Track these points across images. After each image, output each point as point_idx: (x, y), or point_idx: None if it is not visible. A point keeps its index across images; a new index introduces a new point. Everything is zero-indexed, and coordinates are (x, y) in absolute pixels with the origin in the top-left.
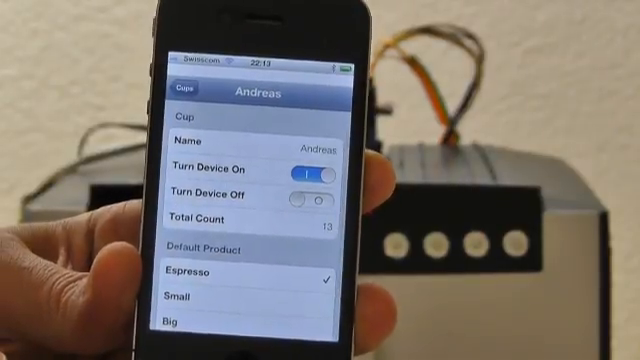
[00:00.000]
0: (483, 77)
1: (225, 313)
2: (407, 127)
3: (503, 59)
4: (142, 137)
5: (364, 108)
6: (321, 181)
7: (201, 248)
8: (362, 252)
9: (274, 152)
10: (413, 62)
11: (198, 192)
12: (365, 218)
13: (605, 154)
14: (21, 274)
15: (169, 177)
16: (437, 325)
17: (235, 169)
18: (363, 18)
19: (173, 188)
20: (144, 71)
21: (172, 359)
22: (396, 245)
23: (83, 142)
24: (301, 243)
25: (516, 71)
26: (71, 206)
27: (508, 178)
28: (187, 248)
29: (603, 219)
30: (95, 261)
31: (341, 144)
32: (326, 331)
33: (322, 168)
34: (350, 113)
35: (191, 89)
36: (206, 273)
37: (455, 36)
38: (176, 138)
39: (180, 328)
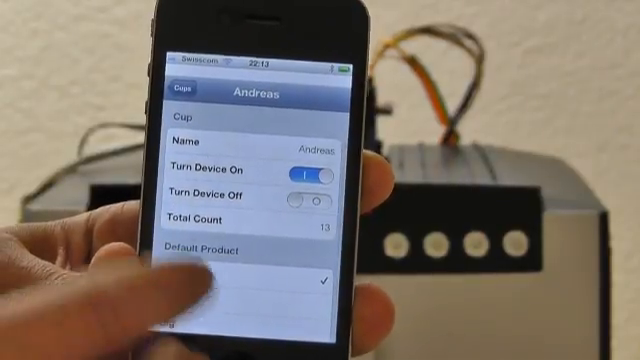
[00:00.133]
0: (483, 77)
1: (222, 314)
2: (407, 127)
3: (503, 59)
4: (142, 137)
5: (362, 109)
6: (319, 182)
7: (199, 249)
8: (362, 252)
9: (272, 153)
10: (413, 62)
11: (196, 192)
12: (365, 218)
13: (605, 154)
14: (19, 274)
15: (167, 177)
16: (437, 325)
17: (233, 169)
18: (362, 19)
19: (171, 188)
20: (144, 71)
21: None
22: (396, 245)
23: (83, 142)
24: (299, 244)
25: (516, 71)
26: (71, 206)
27: (508, 178)
28: (185, 248)
29: (603, 219)
30: (93, 261)
31: (339, 145)
32: (323, 332)
33: (320, 169)
34: (348, 114)
35: (189, 89)
36: None
37: (455, 36)
38: (174, 138)
39: (177, 329)
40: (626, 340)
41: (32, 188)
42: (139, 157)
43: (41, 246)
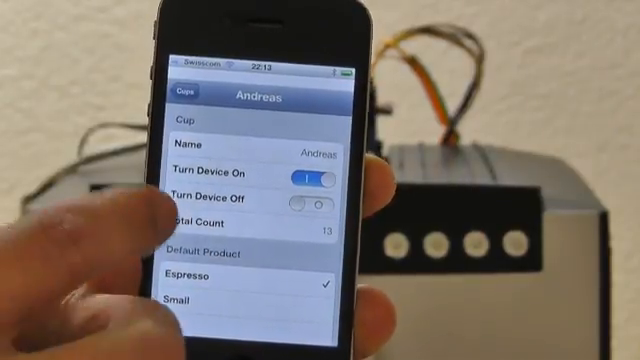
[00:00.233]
0: (483, 77)
1: (224, 317)
2: (407, 127)
3: (503, 59)
4: (142, 137)
5: (365, 113)
6: (321, 185)
7: (201, 252)
8: (362, 252)
9: (274, 156)
10: (413, 62)
11: (198, 196)
12: (365, 219)
13: (605, 154)
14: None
15: (169, 180)
16: (437, 325)
17: (235, 173)
18: (364, 22)
19: (173, 191)
20: (144, 71)
21: None
22: (396, 245)
23: (83, 142)
24: (301, 247)
25: (516, 71)
26: None
27: (508, 178)
28: (187, 252)
29: (603, 219)
30: None
31: (341, 148)
32: (325, 336)
33: (322, 172)
34: (351, 117)
35: (192, 92)
36: (205, 277)
37: (455, 36)
38: (176, 141)
39: None
40: (626, 340)
41: (32, 188)
42: (139, 157)
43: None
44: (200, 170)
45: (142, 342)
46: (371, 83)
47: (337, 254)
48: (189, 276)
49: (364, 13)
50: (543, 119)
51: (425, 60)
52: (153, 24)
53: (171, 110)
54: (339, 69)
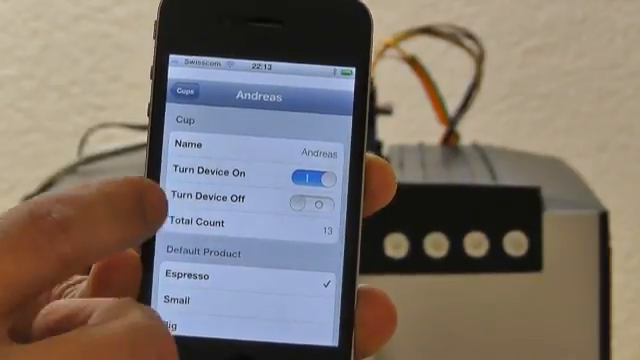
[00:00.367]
0: (483, 77)
1: (225, 317)
2: (407, 127)
3: (503, 59)
4: (142, 137)
5: (365, 112)
6: (322, 185)
7: (201, 252)
8: (362, 252)
9: (275, 156)
10: (413, 62)
11: (198, 195)
12: (365, 219)
13: (605, 154)
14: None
15: (169, 180)
16: (437, 325)
17: (235, 172)
18: (365, 22)
19: (173, 191)
20: (144, 71)
21: None
22: (396, 245)
23: (83, 142)
24: (301, 247)
25: (516, 71)
26: None
27: (508, 178)
28: (187, 252)
29: (603, 219)
30: (94, 264)
31: (342, 148)
32: (326, 336)
33: (323, 172)
34: (351, 117)
35: (192, 92)
36: (206, 277)
37: (455, 36)
38: (176, 141)
39: (180, 332)
40: (626, 340)
41: (32, 188)
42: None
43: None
44: (200, 170)
45: (133, 331)
46: (371, 83)
47: (337, 254)
48: (189, 276)
49: (365, 12)
50: (543, 119)
51: (425, 60)
52: (153, 24)
53: (171, 110)
54: (339, 68)
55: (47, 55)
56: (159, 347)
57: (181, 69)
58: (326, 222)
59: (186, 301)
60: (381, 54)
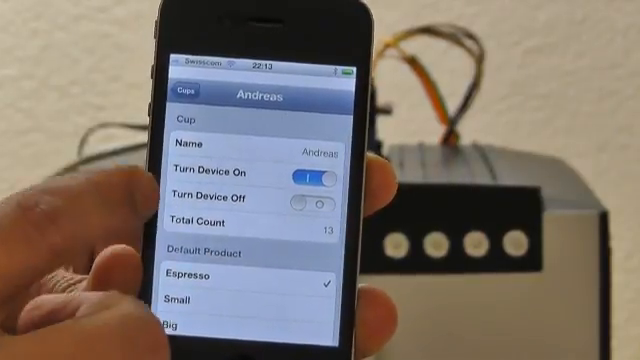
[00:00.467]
0: (483, 77)
1: (225, 317)
2: (407, 127)
3: (503, 59)
4: (142, 137)
5: (366, 112)
6: (322, 184)
7: (201, 251)
8: (362, 252)
9: (275, 155)
10: (413, 62)
11: (199, 195)
12: (365, 219)
13: (605, 154)
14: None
15: (170, 180)
16: (437, 325)
17: (236, 172)
18: (365, 21)
19: (174, 191)
20: (144, 71)
21: None
22: (396, 245)
23: (83, 142)
24: (302, 247)
25: (516, 71)
26: None
27: (508, 178)
28: (187, 251)
29: (603, 219)
30: (95, 264)
31: (342, 147)
32: (326, 335)
33: (323, 172)
34: (352, 117)
35: (192, 92)
36: (206, 276)
37: (455, 36)
38: (177, 141)
39: (180, 331)
40: (626, 340)
41: None
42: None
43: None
44: (201, 169)
45: (124, 321)
46: (372, 81)
47: (338, 253)
48: (190, 276)
49: (365, 12)
50: (543, 119)
51: (425, 60)
52: (154, 24)
53: (172, 109)
54: (340, 68)
55: (47, 55)
56: (150, 337)
57: (182, 69)
58: (327, 222)
59: (186, 301)
60: (381, 54)
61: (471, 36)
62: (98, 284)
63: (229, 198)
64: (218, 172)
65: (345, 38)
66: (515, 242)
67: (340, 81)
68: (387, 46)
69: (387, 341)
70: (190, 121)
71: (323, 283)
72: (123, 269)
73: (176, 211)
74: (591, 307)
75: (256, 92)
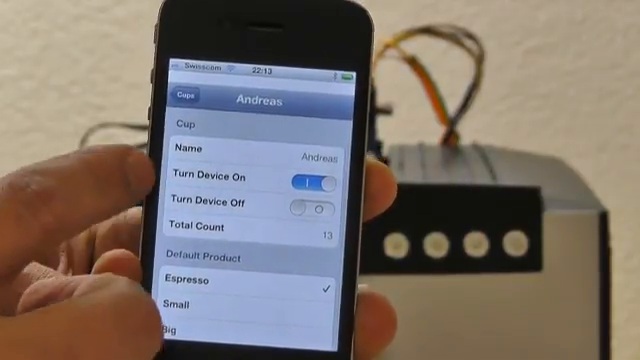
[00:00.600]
0: (483, 77)
1: (225, 322)
2: (407, 127)
3: (503, 59)
4: (142, 137)
5: (365, 117)
6: (322, 189)
7: (201, 256)
8: (362, 252)
9: (275, 160)
10: (413, 62)
11: (198, 200)
12: (365, 223)
13: (605, 154)
14: (21, 281)
15: (169, 184)
16: (437, 325)
17: (236, 177)
18: (365, 26)
19: (173, 195)
20: (144, 71)
21: None
22: (396, 245)
23: (83, 142)
24: (301, 252)
25: (516, 71)
26: None
27: (508, 178)
28: (187, 256)
29: (603, 219)
30: (95, 267)
31: (342, 152)
32: (325, 340)
33: (323, 176)
34: (351, 122)
35: (192, 96)
36: (206, 281)
37: (455, 36)
38: (177, 145)
39: (179, 336)
40: (626, 340)
41: None
42: None
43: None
44: (200, 174)
45: (118, 301)
46: (371, 84)
47: (337, 258)
48: (189, 280)
49: (365, 17)
50: (543, 119)
51: (425, 60)
52: (154, 26)
53: (171, 114)
54: (340, 73)
55: (47, 55)
56: (144, 316)
57: (181, 73)
58: (326, 227)
59: (186, 305)
60: (381, 54)
61: (471, 36)
62: None
63: (228, 203)
64: (217, 177)
65: (345, 43)
66: (515, 242)
67: (340, 86)
68: (387, 46)
69: (386, 345)
70: (190, 126)
71: (322, 288)
72: (122, 273)
73: (175, 216)
74: (591, 307)
75: (256, 97)
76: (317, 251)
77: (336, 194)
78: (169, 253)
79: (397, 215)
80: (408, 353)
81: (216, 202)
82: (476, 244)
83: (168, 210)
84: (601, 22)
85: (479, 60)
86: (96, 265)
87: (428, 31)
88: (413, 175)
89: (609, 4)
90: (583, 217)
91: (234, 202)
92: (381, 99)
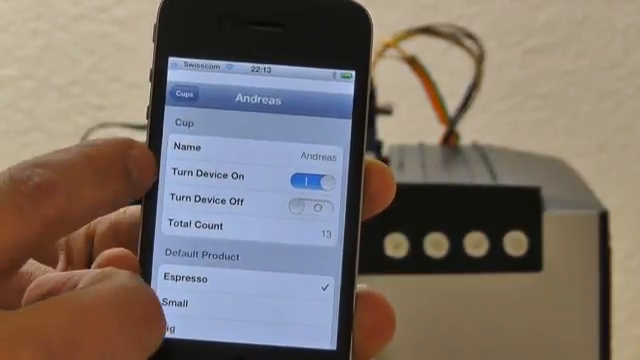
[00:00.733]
0: (483, 77)
1: (223, 320)
2: (407, 127)
3: (503, 59)
4: (142, 137)
5: (365, 115)
6: (321, 188)
7: (199, 255)
8: (362, 252)
9: (274, 159)
10: (413, 62)
11: (197, 198)
12: (364, 222)
13: (605, 154)
14: (20, 279)
15: (168, 183)
16: (437, 325)
17: (234, 175)
18: (364, 25)
19: (172, 194)
20: (144, 71)
21: None
22: (396, 245)
23: None
24: (300, 250)
25: (516, 71)
26: None
27: (508, 178)
28: (185, 254)
29: (603, 219)
30: (93, 266)
31: (341, 151)
32: (324, 339)
33: (322, 175)
34: (350, 120)
35: (191, 95)
36: (204, 280)
37: (455, 36)
38: (175, 144)
39: (178, 335)
40: (626, 340)
41: None
42: None
43: (42, 251)
44: (199, 173)
45: (119, 293)
46: (371, 84)
47: (336, 257)
48: (188, 279)
49: (364, 16)
50: (543, 119)
51: (425, 60)
52: (153, 26)
53: (170, 113)
54: (339, 72)
55: (47, 55)
56: (144, 307)
57: (180, 72)
58: (325, 225)
59: (184, 304)
60: (381, 54)
61: (471, 36)
62: None
63: (227, 201)
64: (216, 175)
65: (344, 42)
66: (515, 242)
67: (339, 85)
68: (387, 46)
69: (385, 344)
70: (188, 124)
71: (321, 287)
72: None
73: (174, 214)
74: (591, 307)
75: (255, 96)
76: (316, 250)
77: (335, 193)
78: (168, 252)
79: (397, 215)
80: (408, 353)
81: (215, 201)
82: (476, 244)
83: (167, 209)
84: (601, 22)
85: (479, 60)
86: (94, 264)
87: (428, 31)
88: (413, 175)
89: (609, 4)
90: (583, 217)
91: (233, 201)
92: (381, 99)
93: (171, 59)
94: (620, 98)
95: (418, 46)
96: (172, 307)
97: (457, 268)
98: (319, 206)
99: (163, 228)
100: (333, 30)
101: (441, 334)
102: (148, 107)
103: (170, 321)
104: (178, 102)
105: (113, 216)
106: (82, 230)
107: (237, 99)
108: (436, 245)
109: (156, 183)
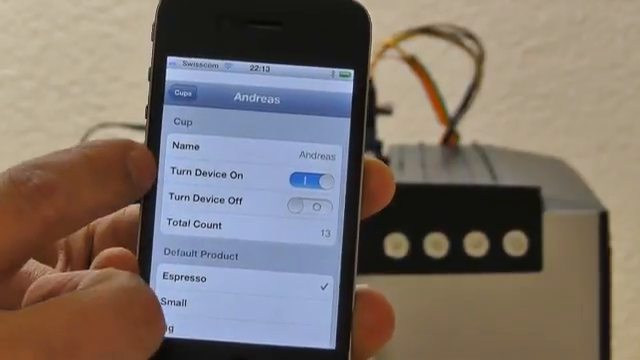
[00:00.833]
0: (483, 77)
1: (222, 319)
2: (407, 127)
3: (503, 59)
4: (142, 137)
5: (363, 114)
6: (320, 187)
7: (198, 254)
8: (362, 252)
9: (272, 158)
10: (413, 62)
11: (196, 198)
12: (363, 221)
13: (605, 154)
14: (20, 279)
15: (167, 182)
16: (436, 325)
17: (233, 175)
18: (363, 24)
19: (171, 193)
20: (144, 71)
21: None
22: (396, 245)
23: None
24: (299, 250)
25: (516, 71)
26: None
27: (508, 178)
28: (184, 254)
29: (603, 219)
30: (92, 266)
31: (340, 150)
32: (323, 338)
33: (321, 174)
34: (349, 119)
35: (190, 94)
36: (203, 279)
37: (455, 36)
38: (174, 143)
39: (177, 334)
40: (626, 340)
41: None
42: None
43: (42, 251)
44: (198, 172)
45: (118, 293)
46: (370, 83)
47: (335, 256)
48: (186, 278)
49: (363, 14)
50: (543, 119)
51: (425, 60)
52: (152, 26)
53: (169, 112)
54: (338, 71)
55: (47, 55)
56: (144, 307)
57: (179, 71)
58: (324, 224)
59: (183, 303)
60: (381, 54)
61: (471, 36)
62: None
63: (226, 201)
64: (215, 175)
65: (343, 41)
66: (515, 242)
67: (338, 84)
68: (387, 46)
69: (385, 343)
70: (187, 123)
71: (320, 286)
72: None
73: (173, 214)
74: (591, 307)
75: (253, 95)
76: (315, 249)
77: (334, 192)
78: (167, 251)
79: (397, 215)
80: (408, 353)
81: (214, 200)
82: (476, 244)
83: (166, 208)
84: (601, 22)
85: (479, 60)
86: (94, 263)
87: (428, 31)
88: (413, 175)
89: (609, 4)
90: (583, 217)
91: (232, 200)
92: (381, 99)
93: (170, 58)
94: (620, 98)
95: (418, 46)
96: (171, 306)
97: (457, 268)
98: (318, 205)
99: (162, 227)
100: (332, 29)
101: (441, 334)
102: (147, 106)
103: (169, 321)
104: (177, 101)
105: (112, 215)
106: (82, 230)
107: (236, 98)
108: (436, 245)
109: (155, 182)
